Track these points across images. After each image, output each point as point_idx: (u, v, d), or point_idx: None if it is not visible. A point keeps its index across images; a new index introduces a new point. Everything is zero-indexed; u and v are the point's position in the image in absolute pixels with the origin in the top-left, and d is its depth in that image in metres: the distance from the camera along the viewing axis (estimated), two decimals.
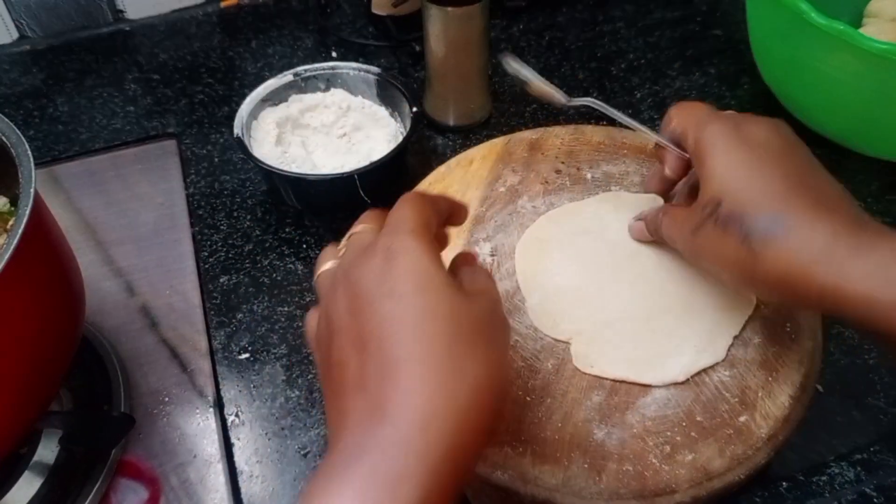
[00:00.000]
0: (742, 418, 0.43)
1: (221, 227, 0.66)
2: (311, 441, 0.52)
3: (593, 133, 0.59)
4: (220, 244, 0.64)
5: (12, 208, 0.49)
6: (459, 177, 0.57)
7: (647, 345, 0.46)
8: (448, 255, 0.52)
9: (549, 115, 0.74)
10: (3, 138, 0.44)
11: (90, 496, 0.48)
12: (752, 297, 0.47)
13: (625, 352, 0.46)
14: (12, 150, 0.43)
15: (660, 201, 0.52)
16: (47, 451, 0.49)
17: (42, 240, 0.44)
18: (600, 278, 0.49)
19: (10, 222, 0.39)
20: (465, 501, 0.48)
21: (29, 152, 0.42)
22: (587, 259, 0.50)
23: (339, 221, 0.65)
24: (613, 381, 0.45)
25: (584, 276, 0.50)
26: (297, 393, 0.54)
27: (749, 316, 0.46)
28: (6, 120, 0.44)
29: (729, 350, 0.45)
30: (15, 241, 0.37)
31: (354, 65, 0.68)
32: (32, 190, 0.40)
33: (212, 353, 0.57)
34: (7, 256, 0.37)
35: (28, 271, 0.41)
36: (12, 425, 0.43)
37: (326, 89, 0.68)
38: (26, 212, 0.38)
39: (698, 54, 0.81)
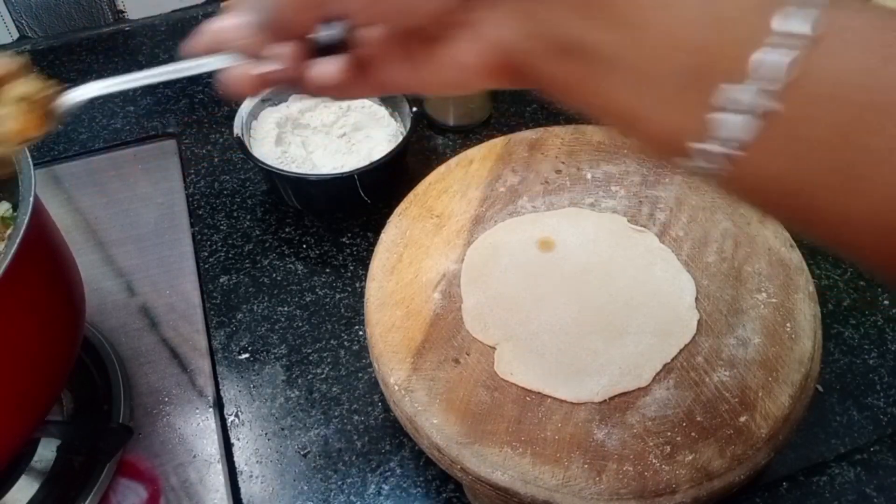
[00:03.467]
0: (742, 418, 0.43)
1: (221, 227, 0.66)
2: (311, 441, 0.52)
3: (593, 133, 0.59)
4: (220, 244, 0.64)
5: (15, 214, 0.49)
6: (459, 177, 0.57)
7: (570, 360, 0.46)
8: (447, 255, 0.52)
9: (549, 115, 0.74)
10: None
11: (89, 497, 0.48)
12: (692, 325, 0.47)
13: (546, 364, 0.46)
14: (13, 157, 0.43)
15: (622, 221, 0.51)
16: (47, 452, 0.49)
17: (42, 248, 0.44)
18: (540, 290, 0.50)
19: (10, 230, 0.39)
20: (464, 502, 0.48)
21: (30, 160, 0.42)
22: (533, 270, 0.51)
23: (339, 221, 0.65)
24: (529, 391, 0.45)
25: (525, 286, 0.50)
26: (297, 393, 0.54)
27: (686, 344, 0.46)
28: None
29: (656, 376, 0.45)
30: (12, 252, 0.37)
31: None
32: (32, 199, 0.39)
33: (212, 353, 0.57)
34: (4, 267, 0.36)
35: (27, 280, 0.40)
36: (13, 433, 0.43)
37: None
38: (24, 221, 0.38)
39: None
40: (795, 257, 0.50)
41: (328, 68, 0.29)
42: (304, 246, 0.64)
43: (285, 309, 0.59)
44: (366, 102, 0.68)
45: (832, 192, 0.22)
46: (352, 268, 0.62)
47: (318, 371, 0.55)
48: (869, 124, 0.20)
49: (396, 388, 0.45)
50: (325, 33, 0.30)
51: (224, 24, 0.30)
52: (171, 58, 0.90)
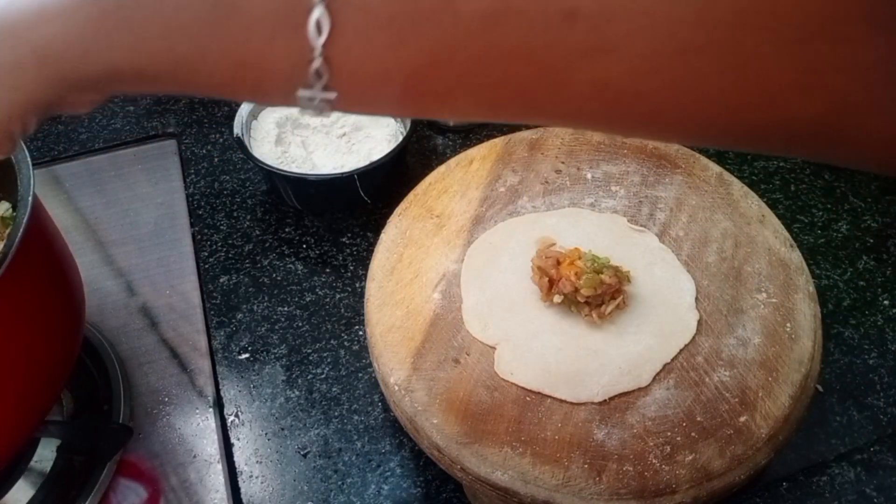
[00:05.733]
0: (742, 418, 0.43)
1: (221, 227, 0.66)
2: (311, 441, 0.52)
3: (593, 133, 0.59)
4: (220, 244, 0.64)
5: (15, 214, 0.49)
6: (459, 177, 0.57)
7: (570, 361, 0.46)
8: (447, 255, 0.52)
9: None
10: None
11: (89, 497, 0.48)
12: (692, 325, 0.47)
13: (546, 364, 0.46)
14: (12, 157, 0.43)
15: (622, 221, 0.51)
16: (47, 452, 0.49)
17: (42, 248, 0.44)
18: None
19: (10, 230, 0.39)
20: (464, 502, 0.48)
21: (29, 160, 0.42)
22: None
23: (339, 221, 0.65)
24: (529, 391, 0.45)
25: (525, 287, 0.50)
26: (297, 393, 0.54)
27: (686, 344, 0.46)
28: None
29: (656, 376, 0.45)
30: (12, 252, 0.37)
31: None
32: (31, 199, 0.39)
33: (212, 353, 0.57)
34: (4, 267, 0.36)
35: (27, 280, 0.40)
36: (13, 433, 0.43)
37: None
38: (24, 221, 0.38)
39: None
40: (795, 257, 0.50)
41: None
42: (304, 246, 0.64)
43: (285, 309, 0.59)
44: None
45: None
46: (352, 268, 0.62)
47: (318, 371, 0.55)
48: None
49: (396, 388, 0.45)
50: None
51: None
52: None
